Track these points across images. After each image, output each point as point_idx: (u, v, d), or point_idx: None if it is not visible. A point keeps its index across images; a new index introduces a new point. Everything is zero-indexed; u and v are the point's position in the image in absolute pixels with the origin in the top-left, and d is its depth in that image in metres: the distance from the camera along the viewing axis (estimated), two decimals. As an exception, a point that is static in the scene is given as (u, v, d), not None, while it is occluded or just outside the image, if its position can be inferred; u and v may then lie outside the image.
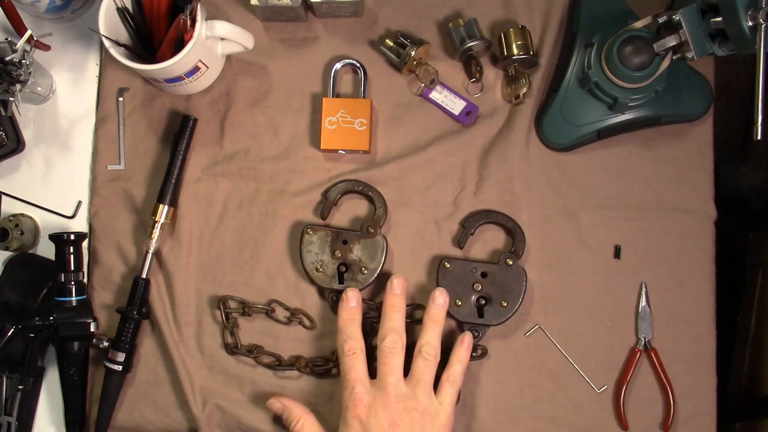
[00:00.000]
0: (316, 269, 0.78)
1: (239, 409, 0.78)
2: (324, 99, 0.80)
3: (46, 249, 0.82)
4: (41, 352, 0.80)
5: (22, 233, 0.81)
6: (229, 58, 0.83)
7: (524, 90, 0.79)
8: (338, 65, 0.81)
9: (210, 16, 0.76)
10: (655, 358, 0.78)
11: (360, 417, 0.70)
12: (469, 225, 0.79)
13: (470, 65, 0.80)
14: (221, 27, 0.74)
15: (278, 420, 0.78)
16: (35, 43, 0.77)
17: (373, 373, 0.73)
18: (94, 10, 0.84)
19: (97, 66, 0.85)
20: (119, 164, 0.83)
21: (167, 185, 0.79)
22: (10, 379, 0.79)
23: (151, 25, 0.78)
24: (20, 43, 0.75)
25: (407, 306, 0.77)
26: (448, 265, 0.78)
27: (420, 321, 0.76)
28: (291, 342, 0.80)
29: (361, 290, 0.78)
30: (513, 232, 0.79)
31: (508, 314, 0.77)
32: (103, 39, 0.74)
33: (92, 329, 0.78)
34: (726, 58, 0.69)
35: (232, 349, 0.79)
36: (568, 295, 0.79)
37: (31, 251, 0.83)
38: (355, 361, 0.73)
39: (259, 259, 0.81)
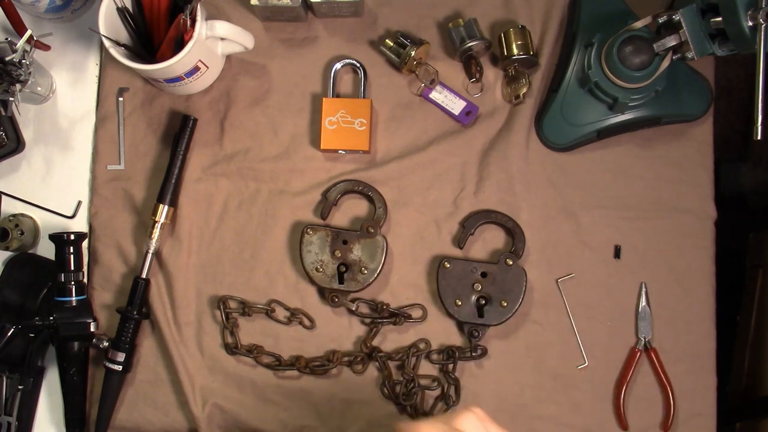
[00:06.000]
0: (316, 269, 0.78)
1: (239, 409, 0.78)
2: (324, 99, 0.80)
3: (46, 249, 0.82)
4: (41, 352, 0.80)
5: (22, 233, 0.80)
6: (229, 58, 0.83)
7: (524, 90, 0.79)
8: (338, 65, 0.81)
9: (210, 16, 0.76)
10: (655, 358, 0.78)
11: None
12: (469, 225, 0.79)
13: (470, 65, 0.80)
14: (221, 27, 0.74)
15: (279, 417, 0.78)
16: (35, 43, 0.77)
17: None
18: (94, 10, 0.84)
19: (97, 66, 0.85)
20: (119, 164, 0.83)
21: (167, 185, 0.79)
22: (10, 379, 0.79)
23: (151, 25, 0.78)
24: (20, 43, 0.75)
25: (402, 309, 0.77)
26: (448, 265, 0.78)
27: (417, 320, 0.78)
28: (291, 342, 0.80)
29: (360, 290, 0.78)
30: (513, 232, 0.79)
31: (508, 314, 0.77)
32: (103, 39, 0.74)
33: (92, 329, 0.78)
34: (726, 58, 0.69)
35: (232, 349, 0.79)
36: (568, 295, 0.79)
37: (31, 251, 0.83)
38: None
39: (259, 259, 0.81)
